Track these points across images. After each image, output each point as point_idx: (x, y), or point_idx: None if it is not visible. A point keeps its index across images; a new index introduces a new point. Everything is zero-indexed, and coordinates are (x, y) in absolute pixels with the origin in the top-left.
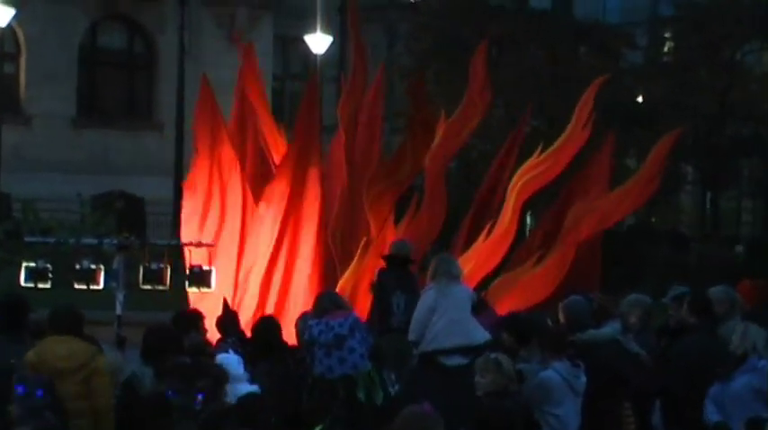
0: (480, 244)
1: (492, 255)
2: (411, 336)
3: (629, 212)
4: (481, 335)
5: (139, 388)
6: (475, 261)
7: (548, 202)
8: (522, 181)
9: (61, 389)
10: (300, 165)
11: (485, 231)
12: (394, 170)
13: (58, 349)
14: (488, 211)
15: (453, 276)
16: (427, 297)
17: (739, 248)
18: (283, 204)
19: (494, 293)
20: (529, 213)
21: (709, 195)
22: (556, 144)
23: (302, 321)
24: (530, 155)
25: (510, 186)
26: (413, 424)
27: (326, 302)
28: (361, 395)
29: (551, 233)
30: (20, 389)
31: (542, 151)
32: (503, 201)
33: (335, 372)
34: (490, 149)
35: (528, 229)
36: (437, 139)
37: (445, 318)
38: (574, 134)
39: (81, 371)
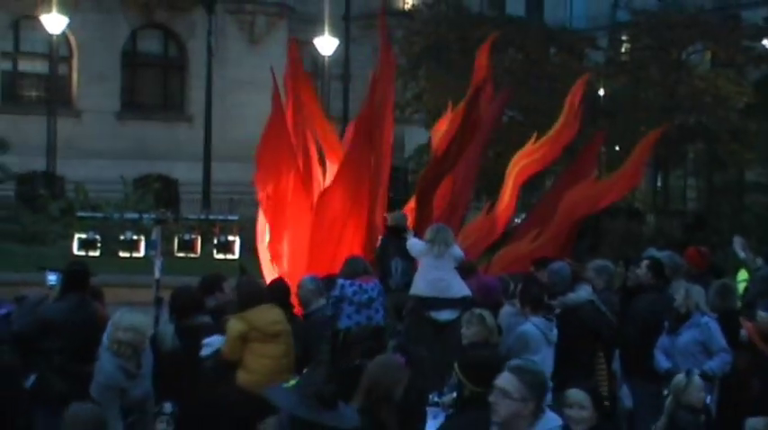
0: (482, 219)
1: (493, 229)
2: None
3: (616, 199)
4: (455, 288)
5: (162, 344)
6: (477, 233)
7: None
8: (520, 165)
9: (275, 348)
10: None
11: (485, 208)
12: (442, 162)
13: (268, 316)
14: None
15: (446, 241)
16: (421, 247)
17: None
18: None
19: (498, 261)
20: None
21: (660, 175)
22: (550, 133)
23: (308, 283)
24: (508, 141)
25: (508, 169)
26: (380, 370)
27: (360, 267)
28: None
29: (547, 214)
30: None
31: (537, 140)
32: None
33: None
34: None
35: None
36: (441, 125)
37: (428, 271)
38: (566, 124)
39: (284, 334)
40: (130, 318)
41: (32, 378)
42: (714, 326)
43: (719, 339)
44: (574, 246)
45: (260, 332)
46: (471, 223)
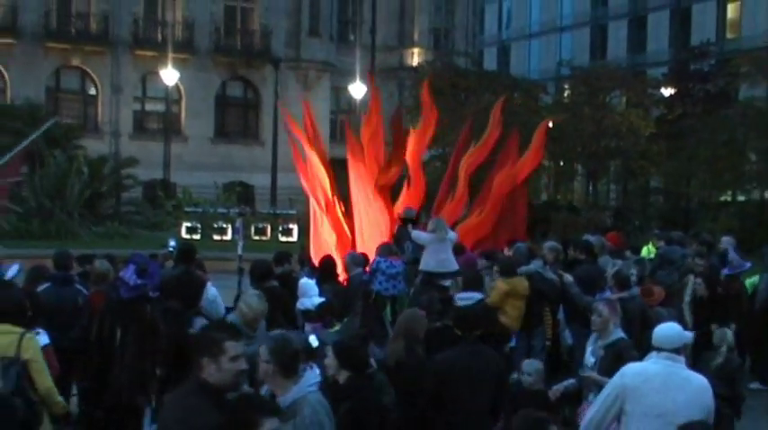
0: (448, 205)
1: (454, 211)
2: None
3: (527, 173)
4: (454, 265)
5: None
6: (447, 215)
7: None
8: (466, 164)
9: (521, 303)
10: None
11: (449, 198)
12: (387, 171)
13: (523, 283)
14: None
15: (444, 229)
16: (426, 235)
17: (607, 217)
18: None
19: (459, 232)
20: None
21: (590, 182)
22: (481, 140)
23: (351, 257)
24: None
25: (459, 168)
26: (411, 319)
27: (392, 250)
28: (398, 307)
29: (486, 195)
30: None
31: (475, 145)
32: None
33: (389, 292)
34: None
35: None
36: (410, 142)
37: (434, 253)
38: (491, 132)
39: (526, 296)
40: (248, 299)
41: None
42: (635, 291)
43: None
44: (530, 228)
45: (517, 292)
46: (443, 209)
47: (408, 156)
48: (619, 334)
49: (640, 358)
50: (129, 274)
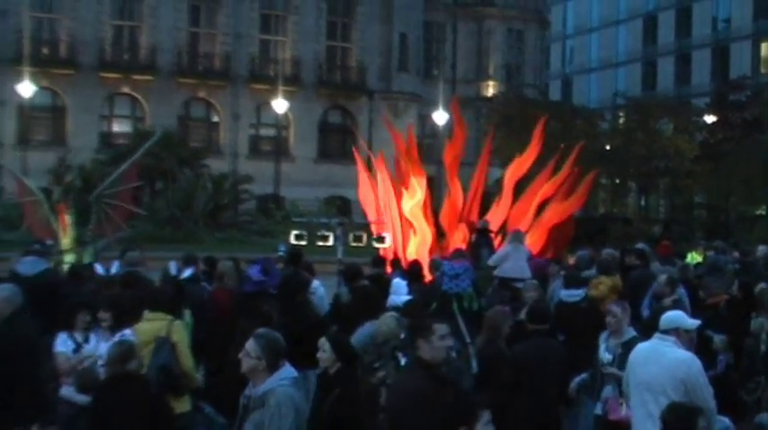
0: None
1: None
2: (496, 271)
3: (574, 211)
4: (527, 272)
5: (341, 298)
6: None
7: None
8: (541, 194)
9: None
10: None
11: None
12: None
13: (620, 280)
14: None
15: (521, 241)
16: (504, 249)
17: (657, 228)
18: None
19: None
20: None
21: (642, 198)
22: (558, 174)
23: (433, 262)
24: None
25: (537, 196)
26: (496, 316)
27: (459, 254)
28: (465, 304)
29: (540, 221)
30: None
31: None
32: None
33: (453, 290)
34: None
35: None
36: (512, 167)
37: (512, 261)
38: (565, 169)
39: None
40: (388, 320)
41: None
42: (682, 292)
43: (685, 299)
44: (589, 238)
45: (617, 288)
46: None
47: (506, 179)
48: (632, 332)
49: None
50: (254, 272)
